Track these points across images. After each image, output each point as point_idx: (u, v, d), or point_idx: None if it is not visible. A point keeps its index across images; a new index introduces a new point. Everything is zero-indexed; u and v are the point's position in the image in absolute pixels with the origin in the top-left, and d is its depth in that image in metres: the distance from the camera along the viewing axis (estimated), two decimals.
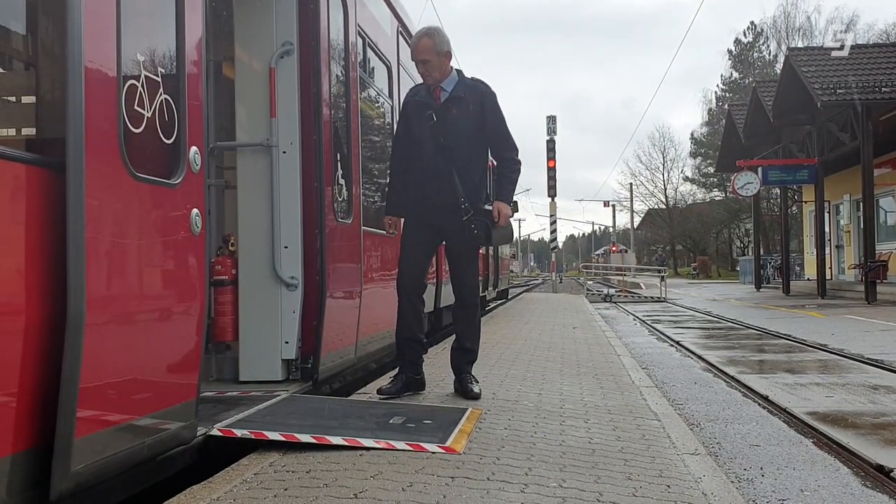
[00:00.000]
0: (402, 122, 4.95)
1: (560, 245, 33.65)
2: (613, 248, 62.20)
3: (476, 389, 4.80)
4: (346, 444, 3.45)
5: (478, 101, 4.74)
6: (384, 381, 5.20)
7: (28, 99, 3.03)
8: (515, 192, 5.02)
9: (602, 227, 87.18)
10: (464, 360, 4.91)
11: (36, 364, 2.43)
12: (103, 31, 2.72)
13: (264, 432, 3.50)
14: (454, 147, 4.68)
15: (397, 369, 4.94)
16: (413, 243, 4.83)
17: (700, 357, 9.36)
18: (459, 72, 4.89)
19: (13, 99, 3.24)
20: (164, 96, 3.08)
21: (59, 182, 2.50)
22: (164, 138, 3.09)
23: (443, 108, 4.72)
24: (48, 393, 2.46)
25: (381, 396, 4.65)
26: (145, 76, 2.97)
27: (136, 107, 2.90)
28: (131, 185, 2.84)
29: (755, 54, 59.17)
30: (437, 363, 6.11)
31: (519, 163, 4.87)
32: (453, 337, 5.12)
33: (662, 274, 27.95)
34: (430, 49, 4.69)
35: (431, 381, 5.13)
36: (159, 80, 3.06)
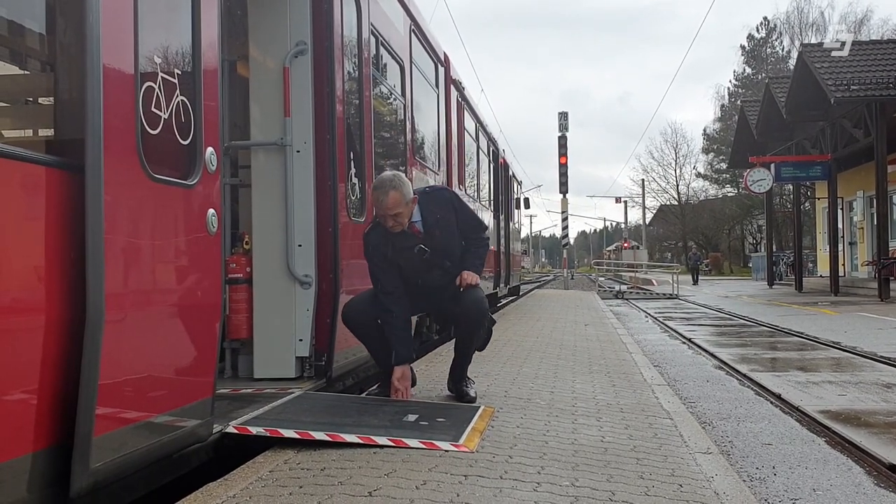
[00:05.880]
0: (380, 270, 4.61)
1: (571, 241, 33.61)
2: (625, 245, 61.97)
3: (472, 393, 4.75)
4: (360, 441, 3.48)
5: (449, 207, 4.69)
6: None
7: (46, 101, 3.06)
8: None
9: (613, 223, 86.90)
10: (467, 363, 4.86)
11: (55, 362, 2.46)
12: (121, 33, 2.74)
13: (279, 430, 3.53)
14: (451, 259, 4.68)
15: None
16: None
17: (712, 355, 9.35)
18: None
19: (32, 100, 3.28)
20: (180, 97, 3.10)
21: (77, 183, 2.53)
22: (180, 139, 3.11)
23: (427, 237, 4.60)
24: (67, 391, 2.50)
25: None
26: (162, 77, 3.00)
27: (153, 108, 2.92)
28: (148, 186, 2.87)
29: (768, 50, 58.96)
30: (438, 363, 6.12)
31: (487, 240, 4.96)
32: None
33: (675, 271, 27.91)
34: (401, 202, 4.43)
35: (433, 381, 5.13)
36: (176, 81, 3.08)
